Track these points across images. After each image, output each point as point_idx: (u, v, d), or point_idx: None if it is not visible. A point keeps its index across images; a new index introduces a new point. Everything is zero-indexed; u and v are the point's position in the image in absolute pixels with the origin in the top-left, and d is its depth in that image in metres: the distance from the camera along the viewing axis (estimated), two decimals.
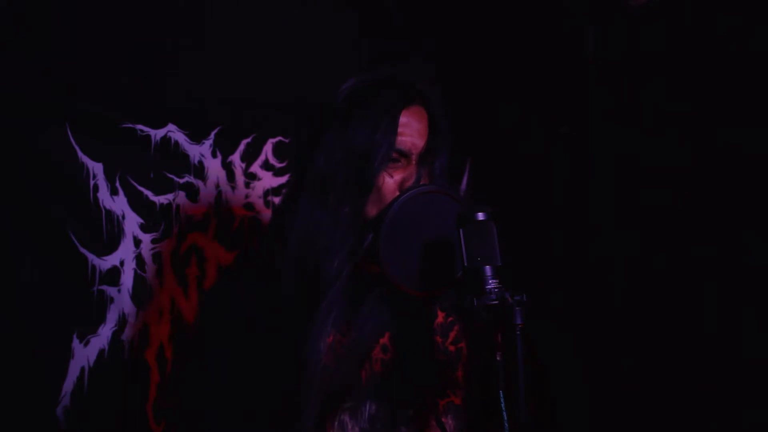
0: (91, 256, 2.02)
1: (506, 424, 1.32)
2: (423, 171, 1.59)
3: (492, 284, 1.34)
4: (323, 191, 1.56)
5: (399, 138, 1.56)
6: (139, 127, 2.10)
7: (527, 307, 1.30)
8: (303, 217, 1.57)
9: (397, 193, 1.57)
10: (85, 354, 2.01)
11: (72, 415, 1.98)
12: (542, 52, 2.71)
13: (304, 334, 1.52)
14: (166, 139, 2.15)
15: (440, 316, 1.68)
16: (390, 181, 1.56)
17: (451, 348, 1.67)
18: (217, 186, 2.25)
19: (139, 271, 2.10)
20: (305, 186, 1.60)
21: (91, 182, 2.03)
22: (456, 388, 1.66)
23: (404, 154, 1.57)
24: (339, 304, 1.54)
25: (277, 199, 2.37)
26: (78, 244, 2.01)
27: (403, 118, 1.57)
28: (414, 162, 1.59)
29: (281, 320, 1.53)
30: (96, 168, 2.03)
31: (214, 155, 2.25)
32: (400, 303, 1.57)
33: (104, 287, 2.05)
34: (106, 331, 2.04)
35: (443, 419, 1.61)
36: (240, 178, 2.30)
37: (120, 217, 2.07)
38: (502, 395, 1.33)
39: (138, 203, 2.11)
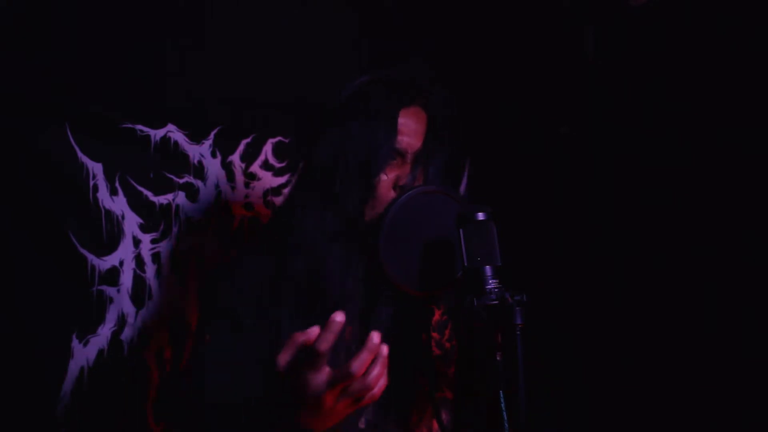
0: (90, 256, 2.02)
1: (506, 424, 1.33)
2: (418, 171, 1.60)
3: (492, 284, 1.35)
4: (326, 191, 1.56)
5: (397, 137, 1.57)
6: (139, 127, 2.10)
7: (527, 307, 1.31)
8: (306, 216, 1.57)
9: (392, 191, 1.57)
10: (84, 354, 2.01)
11: (72, 415, 1.98)
12: (542, 52, 2.71)
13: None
14: (165, 139, 2.15)
15: (437, 314, 1.69)
16: (384, 179, 1.57)
17: (447, 345, 1.68)
18: (217, 186, 2.25)
19: (138, 272, 2.10)
20: (308, 186, 1.61)
21: (91, 182, 2.03)
22: (450, 384, 1.67)
23: (400, 154, 1.59)
24: (348, 302, 1.54)
25: (277, 199, 2.37)
26: (78, 244, 2.00)
27: (401, 119, 1.58)
28: (409, 161, 1.60)
29: (280, 318, 1.53)
30: (96, 168, 2.03)
31: (213, 155, 2.25)
32: (402, 300, 1.58)
33: (104, 287, 2.04)
34: (105, 331, 2.04)
35: (440, 413, 1.63)
36: (239, 178, 2.30)
37: (119, 217, 2.07)
38: (502, 395, 1.33)
39: (137, 203, 2.10)
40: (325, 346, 1.21)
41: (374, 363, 1.25)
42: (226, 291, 1.58)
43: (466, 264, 1.37)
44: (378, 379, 1.24)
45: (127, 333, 2.07)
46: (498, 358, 1.34)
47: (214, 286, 1.63)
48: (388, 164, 1.57)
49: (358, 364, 1.21)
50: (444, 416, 1.64)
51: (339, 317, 1.22)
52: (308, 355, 1.23)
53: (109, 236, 2.05)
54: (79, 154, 2.01)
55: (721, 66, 2.30)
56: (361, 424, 1.57)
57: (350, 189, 1.55)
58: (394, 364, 1.57)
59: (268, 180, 2.36)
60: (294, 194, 1.71)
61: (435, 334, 1.67)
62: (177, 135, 2.17)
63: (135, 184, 2.10)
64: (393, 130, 1.56)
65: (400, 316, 1.59)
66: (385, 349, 1.25)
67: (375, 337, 1.23)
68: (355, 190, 1.55)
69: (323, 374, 1.24)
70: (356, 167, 1.55)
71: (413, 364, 1.60)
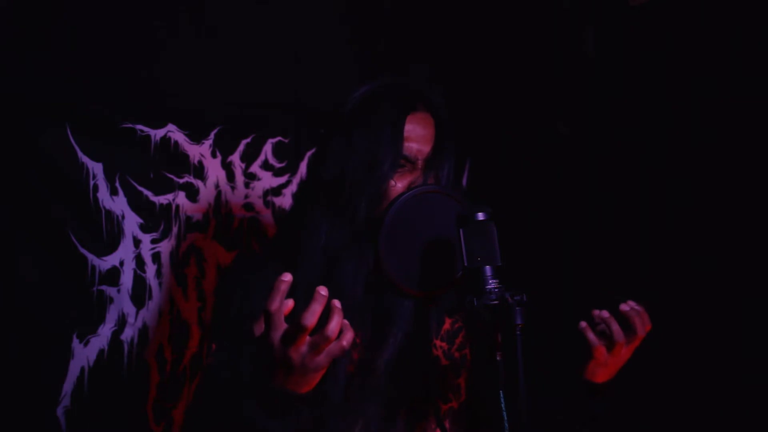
0: (91, 256, 2.02)
1: (506, 424, 1.33)
2: (429, 176, 1.59)
3: (492, 284, 1.35)
4: (334, 200, 1.56)
5: (405, 144, 1.56)
6: (139, 127, 2.10)
7: (527, 307, 1.31)
8: (315, 226, 1.57)
9: None
10: (85, 354, 2.01)
11: (72, 416, 1.98)
12: (542, 52, 2.71)
13: None
14: (165, 140, 2.15)
15: (447, 323, 1.68)
16: (396, 188, 1.56)
17: (456, 354, 1.67)
18: (217, 186, 2.25)
19: (138, 272, 2.10)
20: (316, 195, 1.60)
21: (91, 182, 2.03)
22: (457, 393, 1.66)
23: (410, 160, 1.57)
24: (355, 309, 1.53)
25: (277, 200, 2.37)
26: (78, 244, 2.00)
27: (409, 125, 1.57)
28: (420, 168, 1.59)
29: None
30: (96, 168, 2.03)
31: (213, 155, 2.25)
32: (408, 306, 1.57)
33: (104, 287, 2.04)
34: (105, 331, 2.04)
35: (443, 423, 1.62)
36: (239, 179, 2.30)
37: (120, 218, 2.07)
38: (502, 395, 1.33)
39: (138, 203, 2.10)
40: (273, 305, 1.26)
41: (331, 315, 1.26)
42: (237, 300, 1.58)
43: (466, 264, 1.37)
44: (337, 329, 1.26)
45: (127, 333, 2.07)
46: (498, 358, 1.34)
47: (225, 294, 1.63)
48: (396, 172, 1.56)
49: (307, 315, 1.24)
50: (447, 426, 1.63)
51: (286, 277, 1.26)
52: (265, 317, 1.28)
53: (109, 236, 2.05)
54: (80, 154, 2.01)
55: (721, 66, 2.30)
56: (357, 430, 1.56)
57: (359, 198, 1.54)
58: (398, 370, 1.57)
59: (268, 180, 2.36)
60: (301, 203, 1.70)
61: (443, 344, 1.66)
62: (177, 135, 2.17)
63: (135, 184, 2.10)
64: (398, 137, 1.55)
65: (407, 322, 1.58)
66: (336, 302, 1.27)
67: (322, 289, 1.26)
68: (364, 199, 1.55)
69: (279, 331, 1.27)
70: (363, 177, 1.54)
71: (416, 371, 1.59)
